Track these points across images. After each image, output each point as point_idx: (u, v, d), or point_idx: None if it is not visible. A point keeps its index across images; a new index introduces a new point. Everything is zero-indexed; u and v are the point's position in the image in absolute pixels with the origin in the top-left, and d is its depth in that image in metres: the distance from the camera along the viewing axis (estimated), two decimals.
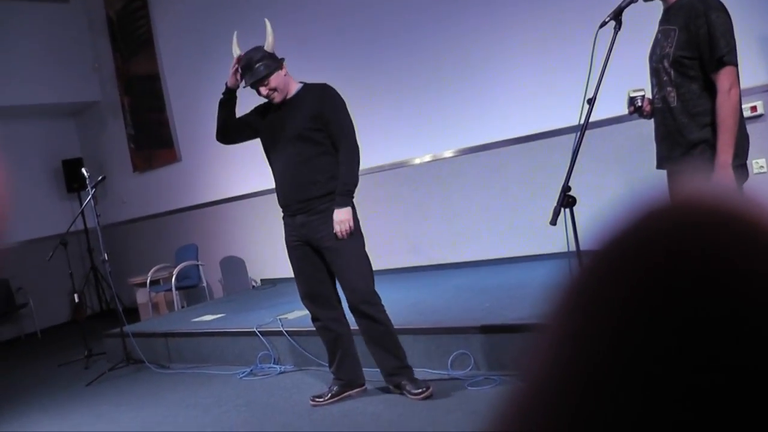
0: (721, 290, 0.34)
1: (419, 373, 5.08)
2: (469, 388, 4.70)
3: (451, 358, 5.06)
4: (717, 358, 0.33)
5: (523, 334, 4.78)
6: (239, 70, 4.66)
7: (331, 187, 4.61)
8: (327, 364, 5.09)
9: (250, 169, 9.49)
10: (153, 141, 11.27)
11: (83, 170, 7.72)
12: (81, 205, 9.22)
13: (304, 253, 4.75)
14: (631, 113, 4.01)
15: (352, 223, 4.61)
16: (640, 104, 3.93)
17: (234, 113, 4.81)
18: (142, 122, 11.40)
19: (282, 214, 4.85)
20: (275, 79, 4.59)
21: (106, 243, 7.48)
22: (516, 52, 7.16)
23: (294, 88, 4.71)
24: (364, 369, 5.02)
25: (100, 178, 7.56)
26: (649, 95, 3.96)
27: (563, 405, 0.35)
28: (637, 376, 0.34)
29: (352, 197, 4.66)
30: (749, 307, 0.33)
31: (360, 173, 4.73)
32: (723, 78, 3.61)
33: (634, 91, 3.95)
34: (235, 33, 4.82)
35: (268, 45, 4.65)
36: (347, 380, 4.94)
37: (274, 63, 4.61)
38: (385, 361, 4.79)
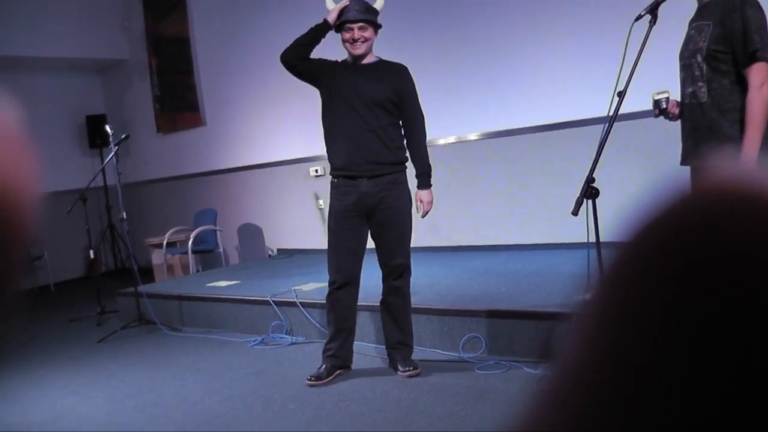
0: (755, 279, 0.33)
1: (430, 353, 5.11)
2: (478, 371, 4.71)
3: (462, 340, 5.07)
4: (756, 351, 0.32)
5: (536, 322, 4.79)
6: (344, 10, 4.67)
7: (400, 157, 4.75)
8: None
9: (273, 137, 9.50)
10: (178, 103, 11.27)
11: (107, 127, 7.71)
12: (102, 161, 9.25)
13: (354, 225, 4.74)
14: (656, 116, 3.95)
15: (433, 204, 4.84)
16: (665, 106, 3.88)
17: (313, 47, 4.77)
18: (169, 84, 11.40)
19: (334, 180, 4.81)
20: (370, 33, 4.68)
21: (126, 201, 7.49)
22: (548, 40, 7.10)
23: (372, 57, 4.77)
24: (369, 345, 5.17)
25: (123, 136, 7.55)
26: (672, 97, 3.91)
27: (600, 395, 0.35)
28: (676, 369, 0.33)
29: (431, 177, 4.82)
30: None
31: None
32: (755, 73, 3.58)
33: (658, 93, 3.89)
34: None
35: (378, 5, 4.76)
36: (342, 362, 4.97)
37: (377, 20, 4.72)
38: (392, 333, 4.91)
